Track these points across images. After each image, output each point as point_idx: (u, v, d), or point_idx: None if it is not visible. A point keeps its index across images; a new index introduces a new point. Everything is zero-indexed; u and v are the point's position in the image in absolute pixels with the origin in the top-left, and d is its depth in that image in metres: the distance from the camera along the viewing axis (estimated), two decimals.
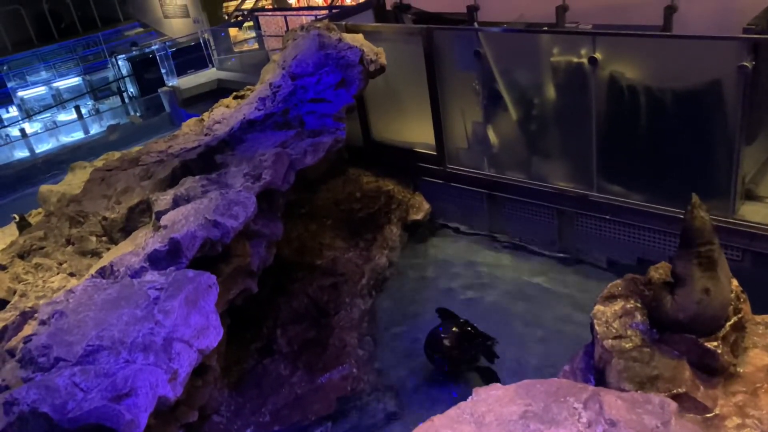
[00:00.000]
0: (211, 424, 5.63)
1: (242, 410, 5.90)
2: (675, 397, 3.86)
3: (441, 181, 8.40)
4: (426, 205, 8.60)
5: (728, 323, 4.21)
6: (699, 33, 5.96)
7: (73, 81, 26.03)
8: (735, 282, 4.45)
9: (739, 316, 4.31)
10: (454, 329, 6.14)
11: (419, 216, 8.50)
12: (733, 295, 4.33)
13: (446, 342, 6.06)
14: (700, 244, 4.10)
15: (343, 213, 8.29)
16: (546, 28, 7.52)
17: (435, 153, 8.27)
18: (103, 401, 4.02)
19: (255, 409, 5.93)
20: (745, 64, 5.41)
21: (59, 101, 25.10)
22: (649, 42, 6.16)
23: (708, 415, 3.92)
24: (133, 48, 24.59)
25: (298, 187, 6.80)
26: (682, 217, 4.23)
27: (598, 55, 6.29)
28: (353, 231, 8.05)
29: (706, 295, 4.08)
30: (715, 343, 4.12)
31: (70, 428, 3.98)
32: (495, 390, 3.85)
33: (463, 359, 6.15)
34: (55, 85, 25.72)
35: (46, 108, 24.70)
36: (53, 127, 22.75)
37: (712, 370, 4.13)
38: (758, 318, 4.56)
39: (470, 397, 3.84)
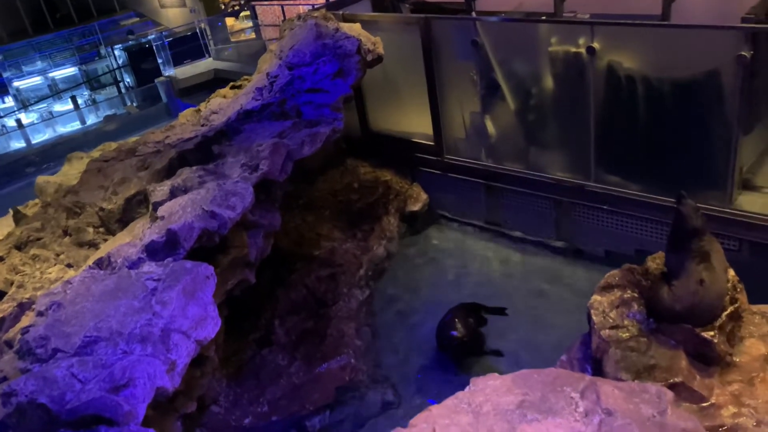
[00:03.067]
0: (210, 414, 5.64)
1: (240, 400, 5.92)
2: (671, 387, 3.88)
3: (439, 172, 8.39)
4: (424, 196, 8.59)
5: (725, 313, 4.24)
6: (697, 22, 5.94)
7: (69, 71, 25.91)
8: (732, 272, 4.47)
9: (736, 306, 4.34)
10: (460, 315, 6.26)
11: (417, 207, 8.49)
12: (729, 285, 4.36)
13: (454, 333, 6.15)
14: (693, 241, 4.12)
15: (341, 204, 8.28)
16: (544, 17, 7.49)
17: (433, 143, 8.26)
18: (101, 392, 4.02)
19: (253, 399, 5.95)
20: (744, 53, 5.40)
21: (55, 91, 25.00)
22: (647, 31, 6.14)
23: (704, 405, 3.95)
24: (130, 36, 24.47)
25: (295, 177, 6.78)
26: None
27: (596, 45, 6.27)
28: (351, 222, 8.05)
29: (701, 285, 4.10)
30: (712, 333, 4.14)
31: (68, 419, 3.98)
32: (492, 380, 3.87)
33: (472, 345, 6.23)
34: (50, 75, 25.61)
35: (42, 98, 24.60)
36: (49, 118, 22.67)
37: (708, 360, 4.16)
38: (755, 308, 4.58)
39: (468, 387, 3.86)
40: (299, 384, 6.09)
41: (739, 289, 4.46)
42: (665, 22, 6.87)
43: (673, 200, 6.18)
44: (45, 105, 24.23)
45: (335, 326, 6.64)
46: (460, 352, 6.26)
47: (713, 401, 3.96)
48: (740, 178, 6.09)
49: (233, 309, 5.97)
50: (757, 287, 4.75)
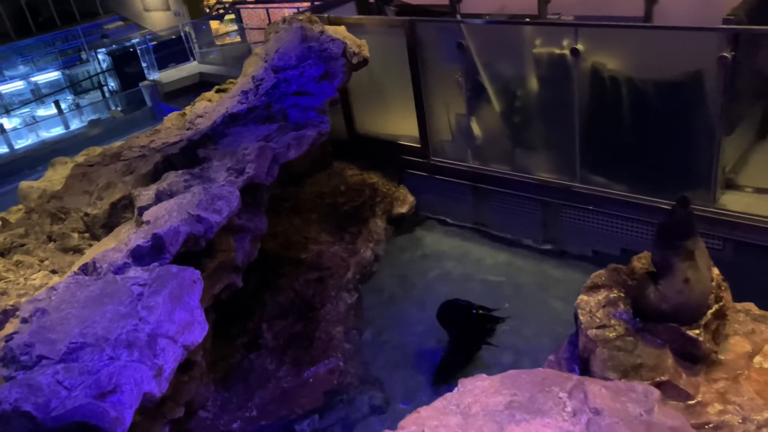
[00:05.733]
0: (198, 419, 5.60)
1: (229, 405, 5.89)
2: (658, 385, 3.91)
3: (425, 174, 8.40)
4: (411, 198, 8.60)
5: (710, 311, 4.27)
6: (679, 24, 6.00)
7: (52, 75, 25.67)
8: (716, 270, 4.51)
9: (721, 304, 4.38)
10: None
11: (404, 209, 8.50)
12: (714, 284, 4.40)
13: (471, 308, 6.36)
14: (682, 239, 4.16)
15: (328, 207, 8.26)
16: (528, 19, 7.54)
17: (419, 146, 8.27)
18: (87, 399, 3.98)
19: (242, 404, 5.92)
20: (725, 54, 5.46)
21: (38, 96, 24.75)
22: (630, 33, 6.19)
23: (690, 402, 3.98)
24: (105, 41, 24.28)
25: (282, 181, 6.77)
26: (667, 209, 4.28)
27: (580, 47, 6.31)
28: (338, 225, 8.04)
29: (687, 284, 4.13)
30: (697, 331, 4.18)
31: (54, 427, 3.93)
32: (481, 381, 3.88)
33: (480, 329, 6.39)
34: (33, 79, 25.35)
35: (25, 103, 24.34)
36: (32, 123, 22.44)
37: (694, 358, 4.19)
38: (739, 306, 4.63)
39: (456, 388, 3.86)
40: (288, 388, 6.06)
41: (723, 288, 4.50)
42: (648, 24, 6.95)
43: (657, 200, 6.31)
44: (28, 110, 23.98)
45: (323, 330, 6.62)
46: (470, 325, 6.39)
47: (699, 399, 3.99)
48: (723, 177, 6.15)
49: (221, 313, 5.95)
50: (741, 285, 4.80)
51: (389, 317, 7.14)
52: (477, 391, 3.78)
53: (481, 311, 6.50)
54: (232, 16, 21.34)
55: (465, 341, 6.38)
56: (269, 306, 6.83)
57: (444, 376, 6.12)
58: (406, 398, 6.07)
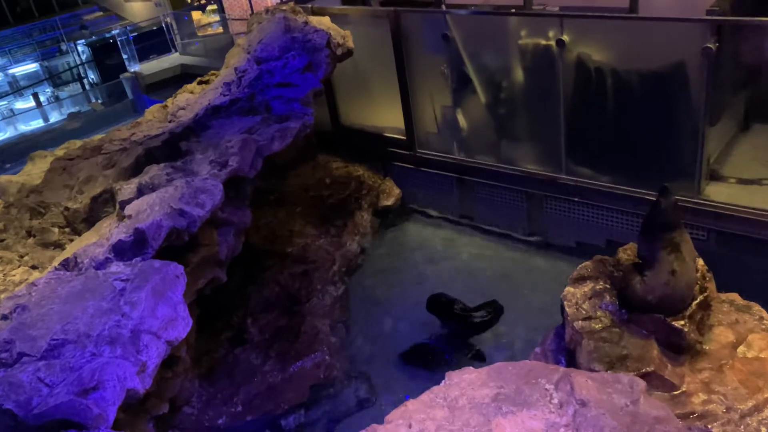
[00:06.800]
0: (183, 415, 5.56)
1: (214, 400, 5.84)
2: (644, 376, 3.93)
3: (411, 166, 8.37)
4: (396, 191, 8.57)
5: (694, 302, 4.30)
6: (664, 15, 6.01)
7: (31, 67, 25.26)
8: (700, 261, 4.54)
9: (705, 294, 4.41)
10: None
11: (390, 201, 8.48)
12: (698, 275, 4.42)
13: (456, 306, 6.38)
14: (666, 232, 4.18)
15: (313, 199, 8.21)
16: (514, 10, 7.52)
17: (404, 138, 8.24)
18: (69, 396, 3.92)
19: (227, 399, 5.88)
20: (709, 45, 5.48)
21: (16, 88, 24.35)
22: (615, 24, 6.19)
23: (675, 393, 4.01)
24: (84, 32, 23.92)
25: (266, 173, 6.70)
26: (652, 200, 4.30)
27: (565, 37, 6.31)
28: (323, 217, 7.99)
29: (673, 276, 4.15)
30: (682, 322, 4.21)
31: (35, 424, 3.87)
32: (467, 373, 3.87)
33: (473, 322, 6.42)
34: (11, 71, 24.92)
35: (2, 95, 23.93)
36: (10, 116, 22.08)
37: (679, 349, 4.22)
38: (723, 296, 4.67)
39: (443, 381, 3.85)
40: (273, 383, 6.03)
41: (708, 278, 4.53)
42: (633, 15, 6.95)
43: (642, 191, 6.33)
44: (5, 102, 23.57)
45: (309, 323, 6.59)
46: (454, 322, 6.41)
47: (684, 389, 4.02)
48: (708, 168, 6.19)
49: (205, 308, 5.88)
50: (725, 276, 4.83)
51: (375, 310, 7.13)
52: (464, 384, 3.77)
53: (466, 311, 6.46)
54: (214, 6, 21.12)
55: (450, 335, 6.39)
56: (254, 300, 6.78)
57: (416, 357, 6.22)
58: (392, 391, 6.06)
